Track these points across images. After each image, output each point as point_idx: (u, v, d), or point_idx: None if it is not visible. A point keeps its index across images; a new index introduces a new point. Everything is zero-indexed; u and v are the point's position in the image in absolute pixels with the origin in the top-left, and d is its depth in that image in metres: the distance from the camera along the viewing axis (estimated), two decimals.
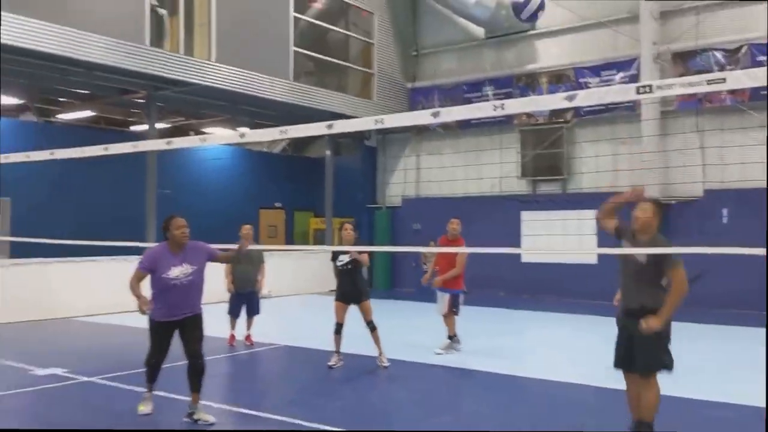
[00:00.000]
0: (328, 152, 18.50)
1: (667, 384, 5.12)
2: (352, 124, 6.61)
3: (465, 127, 17.66)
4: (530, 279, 16.38)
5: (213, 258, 6.01)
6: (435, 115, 5.74)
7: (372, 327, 8.21)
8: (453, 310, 9.01)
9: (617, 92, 4.38)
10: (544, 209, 16.46)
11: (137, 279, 5.71)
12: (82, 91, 14.33)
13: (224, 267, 9.50)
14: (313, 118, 17.66)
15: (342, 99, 17.06)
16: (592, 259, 15.47)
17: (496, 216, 16.59)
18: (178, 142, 6.40)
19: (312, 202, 20.50)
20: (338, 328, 8.21)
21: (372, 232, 19.26)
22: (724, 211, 14.22)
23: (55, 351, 9.37)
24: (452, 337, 9.15)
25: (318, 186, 19.49)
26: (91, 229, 12.15)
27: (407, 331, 10.93)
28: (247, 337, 9.80)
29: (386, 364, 8.18)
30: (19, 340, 10.23)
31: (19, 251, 13.17)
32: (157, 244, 6.05)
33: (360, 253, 8.08)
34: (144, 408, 5.98)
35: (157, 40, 12.65)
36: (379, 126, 6.01)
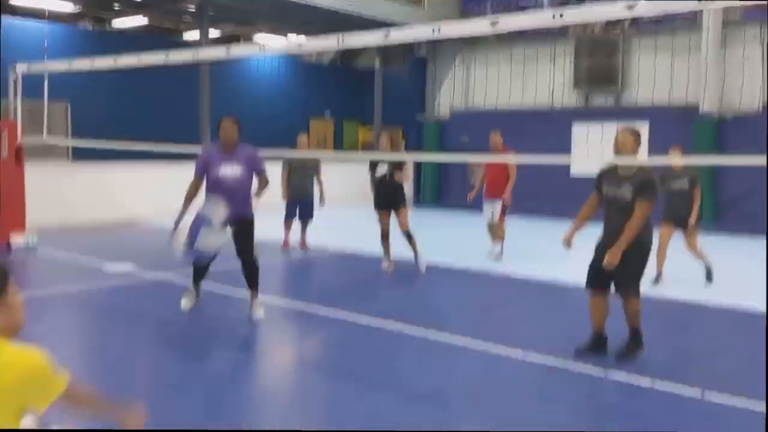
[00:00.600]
0: (377, 62, 18.38)
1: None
2: (409, 34, 6.67)
3: (517, 36, 17.27)
4: (579, 194, 16.30)
5: (257, 173, 6.08)
6: (493, 24, 5.75)
7: (408, 236, 8.36)
8: (502, 217, 9.24)
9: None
10: (596, 121, 16.21)
11: (194, 188, 5.97)
12: None
13: (279, 175, 9.75)
14: (362, 26, 17.58)
15: (392, 7, 16.79)
16: None
17: (546, 129, 16.42)
18: (236, 51, 6.59)
19: (361, 112, 20.55)
20: (384, 234, 8.46)
21: (420, 143, 19.32)
22: None
23: (123, 250, 9.89)
24: (501, 243, 9.43)
25: (367, 97, 19.51)
26: (148, 133, 12.50)
27: (454, 241, 11.19)
28: (301, 243, 10.15)
29: (423, 270, 8.40)
30: (86, 240, 10.83)
31: (79, 155, 13.68)
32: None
33: (401, 170, 8.21)
34: (186, 303, 6.27)
35: None
36: (436, 36, 6.07)
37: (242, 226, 5.99)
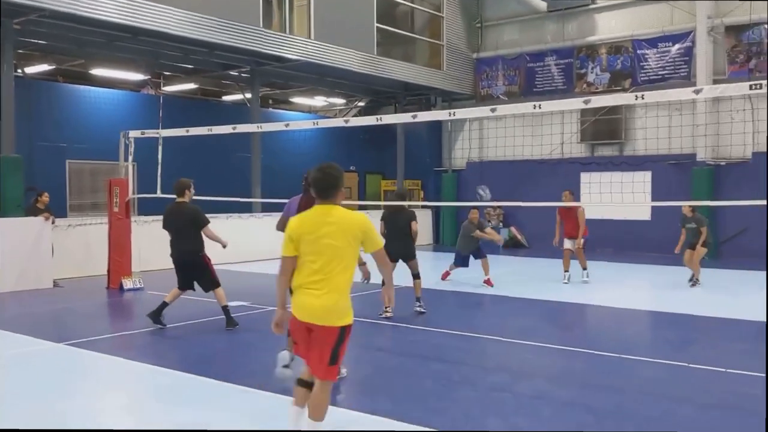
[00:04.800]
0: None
1: None
2: (432, 115, 8.35)
3: (527, 93, 19.09)
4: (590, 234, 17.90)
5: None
6: (493, 110, 7.49)
7: (416, 276, 9.25)
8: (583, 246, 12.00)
9: (742, 87, 5.86)
10: (602, 171, 17.90)
11: (282, 223, 6.80)
12: (189, 66, 16.22)
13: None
14: (387, 86, 19.65)
15: (414, 69, 18.58)
16: (646, 216, 17.00)
17: (557, 178, 18.08)
18: (296, 124, 8.16)
19: (382, 165, 22.21)
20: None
21: (439, 193, 20.95)
22: None
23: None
24: (585, 269, 12.03)
25: (387, 151, 21.16)
26: (205, 188, 13.87)
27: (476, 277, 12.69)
28: (487, 281, 11.46)
29: (422, 310, 9.04)
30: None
31: (143, 209, 15.11)
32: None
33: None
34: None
35: (266, 20, 14.36)
36: (451, 118, 7.82)
37: None
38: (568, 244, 12.00)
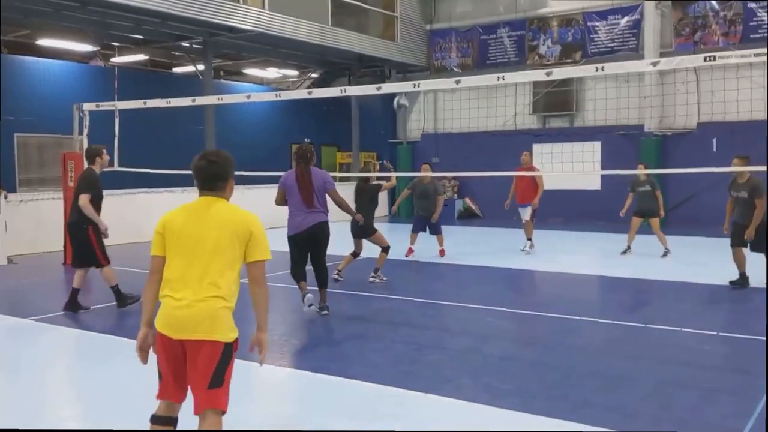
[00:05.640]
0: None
1: None
2: (398, 87, 8.41)
3: (481, 66, 19.27)
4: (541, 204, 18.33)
5: (328, 191, 7.11)
6: (457, 82, 7.60)
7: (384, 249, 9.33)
8: (533, 218, 11.87)
9: (691, 60, 6.17)
10: (553, 141, 18.28)
11: (280, 197, 7.27)
12: (139, 37, 15.86)
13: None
14: (342, 58, 19.49)
15: (369, 41, 18.54)
16: (596, 186, 17.49)
17: (510, 148, 18.36)
18: (258, 96, 8.17)
19: (337, 137, 22.20)
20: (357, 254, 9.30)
21: (395, 164, 21.04)
22: (714, 142, 16.14)
23: None
24: (530, 239, 11.94)
25: (342, 123, 21.14)
26: (158, 162, 13.63)
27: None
28: (441, 251, 11.59)
29: (377, 281, 9.16)
30: (141, 256, 12.07)
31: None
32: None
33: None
34: (306, 304, 7.06)
35: None
36: (417, 89, 7.95)
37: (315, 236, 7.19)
38: (524, 214, 12.00)
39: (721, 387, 4.89)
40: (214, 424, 3.13)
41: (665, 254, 11.16)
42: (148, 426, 3.28)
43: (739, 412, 4.32)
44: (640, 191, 11.33)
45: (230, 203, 3.35)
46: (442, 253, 11.54)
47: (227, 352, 3.15)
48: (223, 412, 3.16)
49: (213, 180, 3.31)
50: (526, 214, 11.99)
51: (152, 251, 3.27)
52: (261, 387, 5.02)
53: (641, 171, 10.85)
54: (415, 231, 11.58)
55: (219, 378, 3.11)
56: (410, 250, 11.54)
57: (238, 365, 3.31)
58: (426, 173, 11.38)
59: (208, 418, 3.12)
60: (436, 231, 11.52)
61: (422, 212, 11.40)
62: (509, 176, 12.63)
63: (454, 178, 19.81)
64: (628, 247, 11.50)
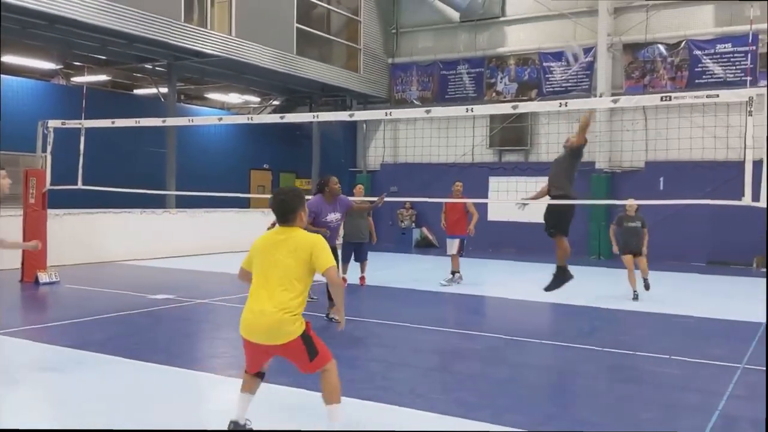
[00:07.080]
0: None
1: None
2: (370, 114, 8.70)
3: (440, 99, 19.80)
4: (495, 235, 18.80)
5: (350, 209, 8.30)
6: (428, 111, 8.07)
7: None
8: (461, 251, 11.50)
9: (650, 99, 6.63)
10: (509, 175, 18.86)
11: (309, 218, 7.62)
12: (103, 57, 15.86)
13: None
14: (304, 86, 19.68)
15: (332, 71, 18.89)
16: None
17: (466, 181, 18.77)
18: (230, 119, 8.39)
19: (296, 164, 22.39)
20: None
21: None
22: (661, 180, 16.91)
23: (146, 284, 11.13)
24: (455, 273, 11.61)
25: (302, 150, 21.36)
26: (119, 182, 13.62)
27: (394, 274, 13.20)
28: (361, 279, 11.30)
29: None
30: (92, 278, 11.95)
31: (56, 203, 14.63)
32: (313, 197, 7.89)
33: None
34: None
35: (188, 15, 14.28)
36: (389, 118, 8.30)
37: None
38: (451, 247, 11.62)
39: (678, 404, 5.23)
40: (329, 375, 4.00)
41: (646, 286, 10.44)
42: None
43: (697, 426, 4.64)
44: (628, 226, 10.53)
45: (300, 230, 4.03)
46: (362, 280, 11.30)
47: (305, 336, 3.91)
48: (329, 361, 4.01)
49: (284, 214, 4.02)
50: (453, 247, 11.62)
51: (242, 263, 4.12)
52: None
53: (631, 201, 10.41)
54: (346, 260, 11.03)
55: (312, 352, 3.93)
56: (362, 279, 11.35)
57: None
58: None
59: (323, 374, 4.00)
60: (362, 258, 11.25)
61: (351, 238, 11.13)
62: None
63: (411, 207, 20.19)
64: (635, 291, 10.34)
